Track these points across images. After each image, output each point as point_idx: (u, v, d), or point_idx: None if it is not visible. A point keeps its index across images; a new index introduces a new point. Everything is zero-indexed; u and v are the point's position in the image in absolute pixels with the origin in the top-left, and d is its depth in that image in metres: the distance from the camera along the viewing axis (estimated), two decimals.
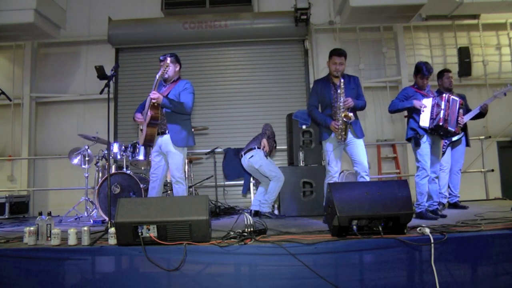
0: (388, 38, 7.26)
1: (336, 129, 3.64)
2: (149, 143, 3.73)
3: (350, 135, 3.75)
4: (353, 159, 3.80)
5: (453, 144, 4.57)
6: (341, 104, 3.66)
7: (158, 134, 3.71)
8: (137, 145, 4.77)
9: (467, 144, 4.66)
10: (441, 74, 4.58)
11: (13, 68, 7.21)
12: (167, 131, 3.67)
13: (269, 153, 4.75)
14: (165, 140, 3.68)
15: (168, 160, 3.71)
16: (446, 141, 4.44)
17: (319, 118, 3.86)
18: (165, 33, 6.93)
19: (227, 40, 7.09)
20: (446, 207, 4.60)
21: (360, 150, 3.75)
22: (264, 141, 4.69)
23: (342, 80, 3.69)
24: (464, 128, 4.55)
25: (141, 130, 3.77)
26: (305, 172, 4.82)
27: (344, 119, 3.62)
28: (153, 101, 3.49)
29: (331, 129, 3.70)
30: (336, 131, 3.66)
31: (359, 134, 3.78)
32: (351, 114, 3.63)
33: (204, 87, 7.10)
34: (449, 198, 4.70)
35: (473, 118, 4.56)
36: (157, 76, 3.56)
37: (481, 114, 4.53)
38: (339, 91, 3.70)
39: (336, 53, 3.78)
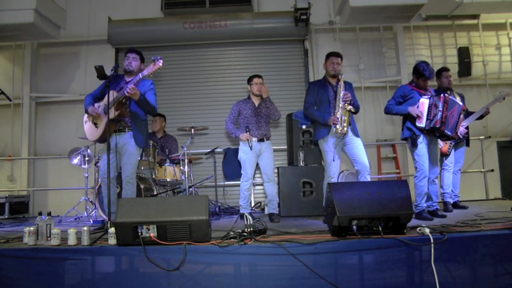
0: (388, 38, 7.26)
1: (337, 120, 3.67)
2: (103, 140, 3.53)
3: (349, 133, 3.79)
4: (353, 158, 3.81)
5: (457, 145, 4.55)
6: (340, 98, 3.74)
7: (115, 131, 3.55)
8: None
9: (467, 144, 4.66)
10: (439, 73, 4.54)
11: (13, 68, 7.20)
12: (126, 129, 3.56)
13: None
14: (123, 139, 3.56)
15: (123, 158, 3.57)
16: (451, 141, 4.40)
17: (316, 115, 3.88)
18: (165, 33, 6.91)
19: (227, 40, 7.07)
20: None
21: (360, 149, 3.79)
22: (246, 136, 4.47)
23: (342, 75, 3.81)
24: (466, 128, 4.54)
25: (95, 124, 3.51)
26: (305, 172, 4.82)
27: (346, 109, 3.72)
28: (128, 93, 3.29)
29: (330, 122, 3.72)
30: (336, 123, 3.68)
31: (357, 132, 3.85)
32: (351, 107, 3.74)
33: (204, 87, 7.11)
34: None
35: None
36: (146, 73, 3.36)
37: (480, 116, 4.52)
38: (338, 88, 3.78)
39: (334, 54, 3.93)
